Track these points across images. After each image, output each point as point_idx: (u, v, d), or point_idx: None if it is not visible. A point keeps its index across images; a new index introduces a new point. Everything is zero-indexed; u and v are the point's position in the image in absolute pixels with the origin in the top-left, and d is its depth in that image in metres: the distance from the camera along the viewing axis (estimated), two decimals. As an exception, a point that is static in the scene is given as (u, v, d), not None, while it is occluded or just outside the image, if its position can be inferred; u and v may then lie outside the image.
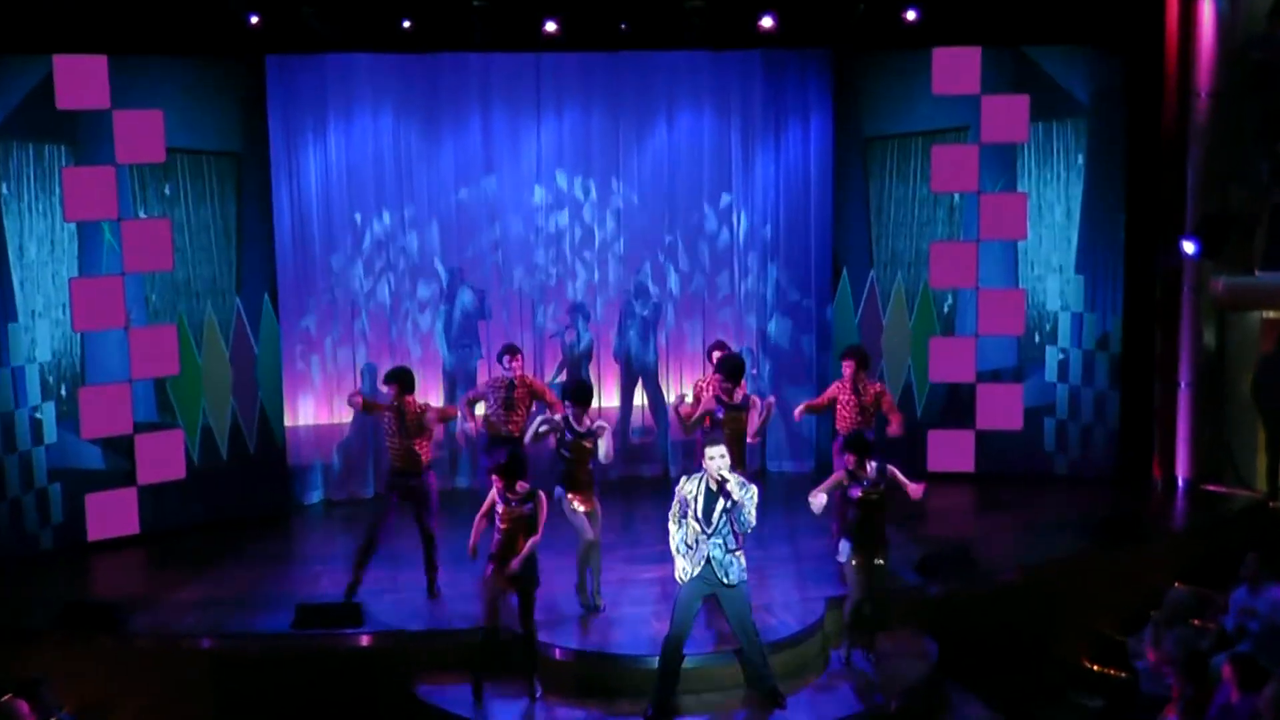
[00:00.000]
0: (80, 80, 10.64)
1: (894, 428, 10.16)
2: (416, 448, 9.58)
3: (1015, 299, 12.18)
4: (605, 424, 9.32)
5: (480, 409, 10.57)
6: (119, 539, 11.00)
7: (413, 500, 9.68)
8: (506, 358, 10.34)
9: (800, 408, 10.44)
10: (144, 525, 11.16)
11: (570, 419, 9.24)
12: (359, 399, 9.82)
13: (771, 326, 12.83)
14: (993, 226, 12.10)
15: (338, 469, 12.33)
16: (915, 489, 8.74)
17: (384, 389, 9.78)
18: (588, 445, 9.21)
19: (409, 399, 9.56)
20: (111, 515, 11.03)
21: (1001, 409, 12.26)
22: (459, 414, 10.36)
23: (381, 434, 10.00)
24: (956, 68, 11.91)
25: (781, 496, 11.68)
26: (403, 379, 9.61)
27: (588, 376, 12.43)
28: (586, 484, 9.30)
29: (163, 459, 11.21)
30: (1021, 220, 12.06)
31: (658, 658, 8.21)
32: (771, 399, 10.14)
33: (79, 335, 10.86)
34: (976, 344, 12.26)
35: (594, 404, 12.51)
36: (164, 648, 9.10)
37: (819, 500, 8.55)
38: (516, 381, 10.32)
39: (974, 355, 12.25)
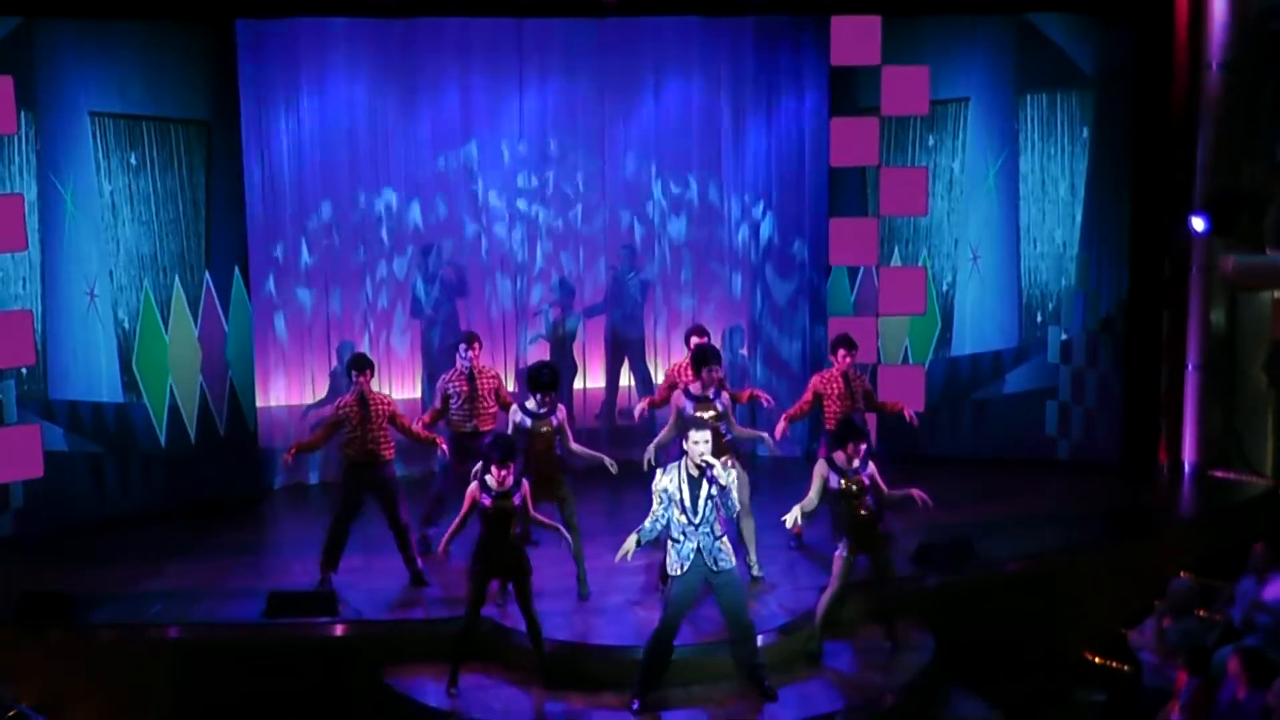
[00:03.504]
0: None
1: (908, 413, 9.87)
2: (380, 438, 9.26)
3: (915, 277, 11.63)
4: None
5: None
6: (83, 525, 10.66)
7: (377, 494, 9.36)
8: (463, 346, 9.82)
9: (780, 425, 9.65)
10: (107, 510, 10.89)
11: (526, 405, 8.85)
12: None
13: (762, 305, 12.57)
14: (892, 202, 11.37)
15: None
16: (911, 494, 8.59)
17: (356, 378, 9.33)
18: (547, 430, 8.81)
19: (367, 385, 9.28)
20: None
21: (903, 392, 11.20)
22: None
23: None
24: (857, 37, 11.09)
25: (773, 482, 11.35)
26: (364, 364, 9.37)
27: (571, 354, 12.18)
28: (552, 475, 8.93)
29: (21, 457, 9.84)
30: (921, 195, 11.38)
31: (643, 648, 8.08)
32: (766, 436, 9.58)
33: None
34: (878, 324, 11.46)
35: (581, 385, 12.39)
36: (128, 638, 8.95)
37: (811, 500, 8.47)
38: (476, 373, 9.78)
39: (876, 337, 11.42)
